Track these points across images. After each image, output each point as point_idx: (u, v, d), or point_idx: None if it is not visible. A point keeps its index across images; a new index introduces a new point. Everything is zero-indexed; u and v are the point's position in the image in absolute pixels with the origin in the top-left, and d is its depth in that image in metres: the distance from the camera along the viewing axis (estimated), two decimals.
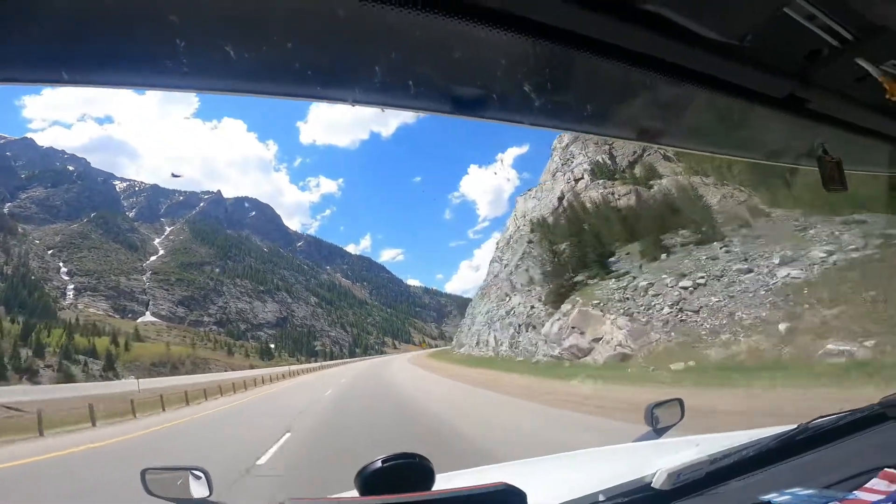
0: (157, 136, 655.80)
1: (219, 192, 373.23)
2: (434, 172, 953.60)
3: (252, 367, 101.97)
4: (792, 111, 0.96)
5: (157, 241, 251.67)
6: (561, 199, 36.08)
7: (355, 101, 0.74)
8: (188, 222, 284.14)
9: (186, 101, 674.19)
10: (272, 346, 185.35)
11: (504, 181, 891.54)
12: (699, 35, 0.71)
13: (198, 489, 1.65)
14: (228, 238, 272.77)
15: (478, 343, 42.87)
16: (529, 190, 46.08)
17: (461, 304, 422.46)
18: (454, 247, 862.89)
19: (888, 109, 1.04)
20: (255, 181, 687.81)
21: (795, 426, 1.26)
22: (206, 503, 1.65)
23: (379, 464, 0.78)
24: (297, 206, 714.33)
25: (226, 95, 0.71)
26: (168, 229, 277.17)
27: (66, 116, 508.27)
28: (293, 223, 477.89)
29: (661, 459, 1.10)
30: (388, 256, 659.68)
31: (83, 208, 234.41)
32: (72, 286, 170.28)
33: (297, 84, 0.72)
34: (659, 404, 1.91)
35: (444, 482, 0.82)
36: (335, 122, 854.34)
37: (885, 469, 0.91)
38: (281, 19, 0.63)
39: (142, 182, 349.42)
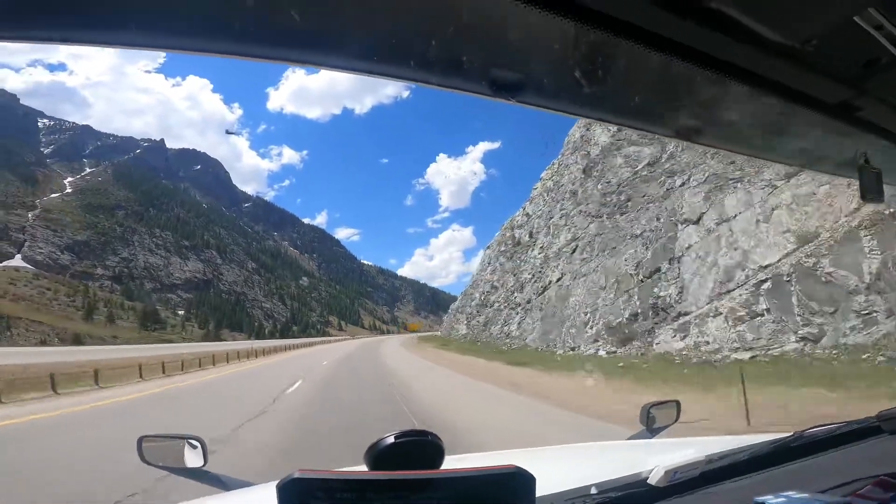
0: (113, 88, 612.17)
1: (161, 140, 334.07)
2: (402, 156, 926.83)
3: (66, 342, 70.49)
4: (841, 118, 0.94)
5: (68, 179, 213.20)
6: None
7: (390, 76, 0.72)
8: (115, 165, 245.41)
9: (150, 55, 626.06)
10: (180, 312, 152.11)
11: (470, 174, 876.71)
12: (758, 34, 0.69)
13: (192, 459, 1.60)
14: (160, 187, 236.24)
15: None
16: None
17: (416, 289, 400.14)
18: (412, 233, 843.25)
19: None
20: (212, 143, 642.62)
21: (791, 433, 1.27)
22: (199, 473, 1.61)
23: (391, 440, 0.78)
24: (255, 172, 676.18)
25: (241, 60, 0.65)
26: (88, 170, 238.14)
27: (17, 61, 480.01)
28: (248, 189, 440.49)
29: (656, 457, 1.09)
30: (343, 235, 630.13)
31: None
32: None
33: (333, 54, 0.69)
34: (656, 404, 1.86)
35: (454, 463, 0.84)
36: (308, 92, 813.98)
37: (881, 477, 0.91)
38: None
39: (73, 122, 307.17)
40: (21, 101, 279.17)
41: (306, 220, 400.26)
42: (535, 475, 0.60)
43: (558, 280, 25.84)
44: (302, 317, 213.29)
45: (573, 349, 20.51)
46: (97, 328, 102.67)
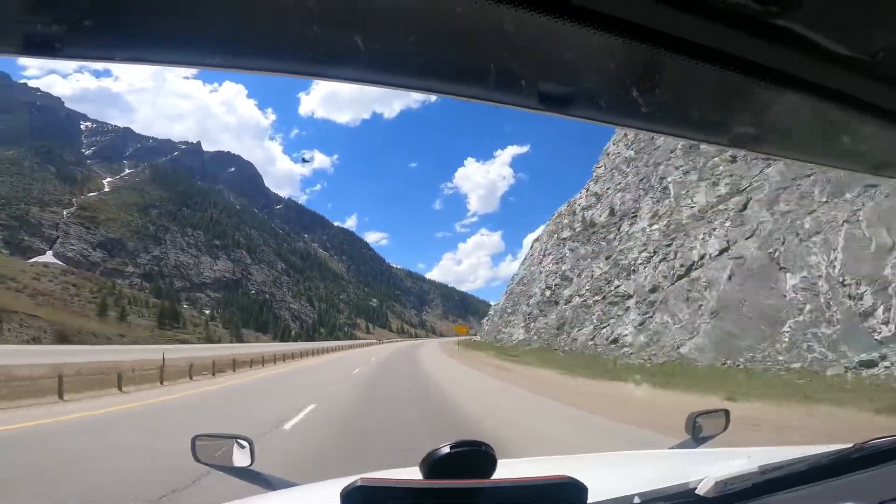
0: (155, 94, 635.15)
1: (198, 143, 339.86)
2: (431, 160, 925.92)
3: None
4: None
5: (107, 179, 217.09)
6: None
7: (444, 93, 0.74)
8: (153, 167, 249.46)
9: None
10: (206, 311, 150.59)
11: (499, 178, 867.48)
12: (823, 47, 0.66)
13: (240, 458, 1.67)
14: (195, 188, 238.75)
15: None
16: None
17: (445, 293, 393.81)
18: (440, 237, 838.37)
19: None
20: (247, 147, 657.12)
21: (851, 445, 1.22)
22: (246, 472, 1.68)
23: (447, 449, 0.81)
24: (288, 176, 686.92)
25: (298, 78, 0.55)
26: (127, 171, 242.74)
27: (65, 67, 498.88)
28: (282, 193, 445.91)
29: (703, 467, 1.06)
30: (372, 239, 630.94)
31: (31, 137, 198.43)
32: None
33: (384, 71, 0.70)
34: (702, 413, 1.80)
35: (505, 468, 0.86)
36: (337, 97, 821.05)
37: None
38: (379, 10, 0.60)
39: (114, 125, 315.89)
40: (66, 105, 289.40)
41: (336, 224, 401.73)
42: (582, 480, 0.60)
43: (722, 252, 17.98)
44: (329, 318, 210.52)
45: (864, 365, 11.84)
46: (108, 326, 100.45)
